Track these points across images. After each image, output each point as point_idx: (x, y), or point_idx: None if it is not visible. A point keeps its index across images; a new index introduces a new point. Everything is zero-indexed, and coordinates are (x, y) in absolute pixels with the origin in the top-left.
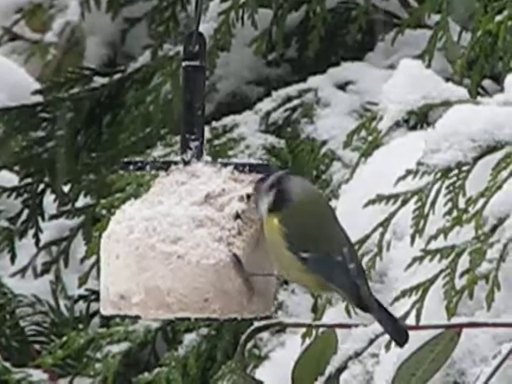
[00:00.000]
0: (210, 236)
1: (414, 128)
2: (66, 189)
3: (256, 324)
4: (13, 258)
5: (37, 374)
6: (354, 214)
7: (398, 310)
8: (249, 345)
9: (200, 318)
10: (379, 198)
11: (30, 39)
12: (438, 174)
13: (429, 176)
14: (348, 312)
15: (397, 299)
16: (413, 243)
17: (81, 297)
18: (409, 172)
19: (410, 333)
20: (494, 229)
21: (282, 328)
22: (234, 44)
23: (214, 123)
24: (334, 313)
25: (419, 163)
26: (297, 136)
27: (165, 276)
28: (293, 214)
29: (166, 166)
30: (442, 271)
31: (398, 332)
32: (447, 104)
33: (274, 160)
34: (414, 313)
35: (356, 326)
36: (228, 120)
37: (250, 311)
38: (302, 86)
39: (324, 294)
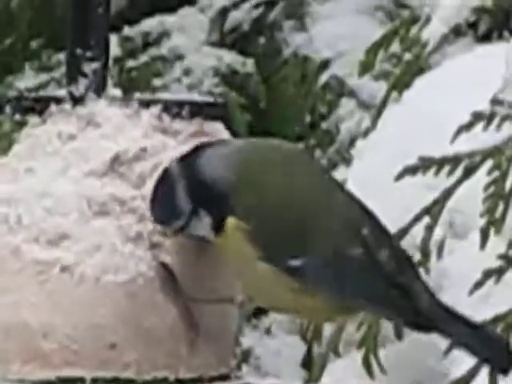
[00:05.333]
0: (120, 231)
1: (486, 38)
2: None
3: None
4: None
5: None
6: (378, 191)
7: None
8: None
9: (102, 379)
10: (423, 164)
11: None
12: None
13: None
14: (368, 367)
15: None
16: (484, 245)
17: None
18: (477, 117)
19: None
20: None
21: None
22: None
23: (126, 29)
24: (342, 369)
25: (495, 101)
26: (276, 52)
27: (38, 304)
28: (250, 199)
29: (40, 105)
30: None
31: (490, 348)
32: None
33: (235, 95)
34: None
35: None
36: (152, 24)
37: (191, 366)
38: None
39: (341, 320)
